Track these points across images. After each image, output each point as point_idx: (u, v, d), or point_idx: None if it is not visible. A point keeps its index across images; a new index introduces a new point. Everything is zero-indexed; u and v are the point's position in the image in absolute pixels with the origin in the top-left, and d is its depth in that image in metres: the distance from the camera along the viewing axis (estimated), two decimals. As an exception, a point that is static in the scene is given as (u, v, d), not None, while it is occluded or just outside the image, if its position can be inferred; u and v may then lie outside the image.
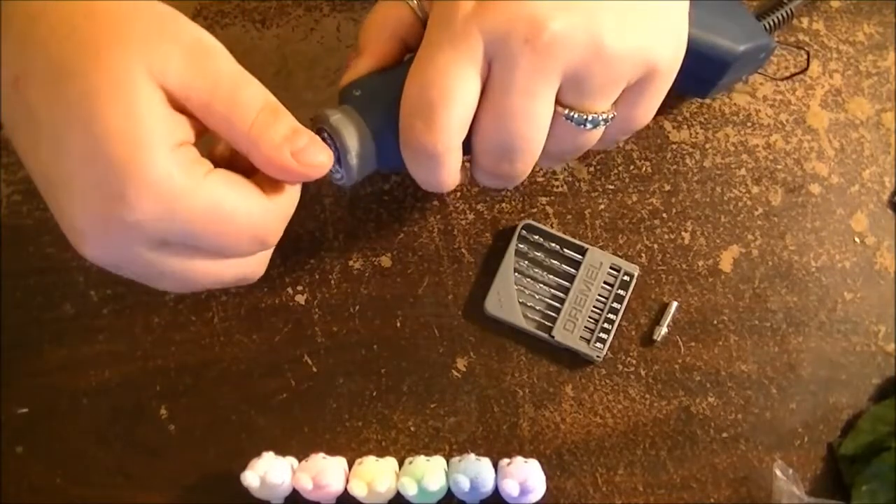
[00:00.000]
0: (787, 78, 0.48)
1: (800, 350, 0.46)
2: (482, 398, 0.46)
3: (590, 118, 0.34)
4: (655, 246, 0.47)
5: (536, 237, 0.46)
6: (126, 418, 0.46)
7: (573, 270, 0.46)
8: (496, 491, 0.43)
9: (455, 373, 0.46)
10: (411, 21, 0.37)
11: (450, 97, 0.32)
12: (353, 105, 0.35)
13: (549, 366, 0.46)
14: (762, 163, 0.48)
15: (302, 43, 0.49)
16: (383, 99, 0.35)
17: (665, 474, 0.45)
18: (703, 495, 0.45)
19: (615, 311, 0.45)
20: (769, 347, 0.46)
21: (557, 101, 0.33)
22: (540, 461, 0.43)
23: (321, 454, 0.44)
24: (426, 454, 0.44)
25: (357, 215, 0.47)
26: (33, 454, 0.46)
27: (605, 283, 0.46)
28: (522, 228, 0.46)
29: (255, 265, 0.35)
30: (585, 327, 0.45)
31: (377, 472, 0.42)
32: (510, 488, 0.41)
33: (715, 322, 0.46)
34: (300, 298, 0.47)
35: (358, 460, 0.44)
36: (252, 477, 0.41)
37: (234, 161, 0.33)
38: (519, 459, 0.43)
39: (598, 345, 0.45)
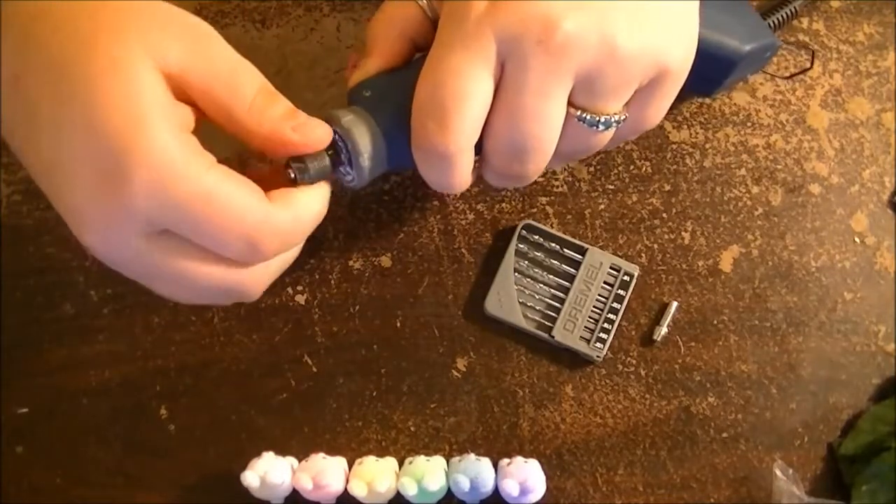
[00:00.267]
0: (790, 77, 0.48)
1: (800, 350, 0.46)
2: (482, 398, 0.46)
3: (602, 119, 0.34)
4: (655, 246, 0.47)
5: (536, 237, 0.46)
6: (126, 418, 0.46)
7: (573, 270, 0.46)
8: (496, 491, 0.43)
9: (455, 373, 0.46)
10: (420, 20, 0.37)
11: (463, 98, 0.32)
12: (364, 106, 0.35)
13: (549, 366, 0.46)
14: (762, 163, 0.48)
15: (302, 43, 0.49)
16: (394, 100, 0.35)
17: (665, 474, 0.45)
18: (703, 495, 0.45)
19: (615, 311, 0.45)
20: (769, 347, 0.46)
21: (570, 103, 0.33)
22: (540, 461, 0.43)
23: (321, 454, 0.44)
24: (426, 454, 0.44)
25: (357, 215, 0.47)
26: (33, 454, 0.46)
27: (605, 283, 0.46)
28: (522, 228, 0.46)
29: (250, 280, 0.34)
30: (585, 327, 0.45)
31: (377, 472, 0.42)
32: (510, 488, 0.41)
33: (715, 322, 0.46)
34: (300, 298, 0.47)
35: (358, 460, 0.44)
36: (252, 477, 0.41)
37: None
38: (519, 459, 0.43)
39: (598, 345, 0.45)
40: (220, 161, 0.31)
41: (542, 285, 0.46)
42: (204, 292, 0.33)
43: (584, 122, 0.34)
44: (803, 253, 0.47)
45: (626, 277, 0.46)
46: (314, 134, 0.33)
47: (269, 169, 0.35)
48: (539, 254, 0.46)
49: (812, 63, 0.48)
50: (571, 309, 0.45)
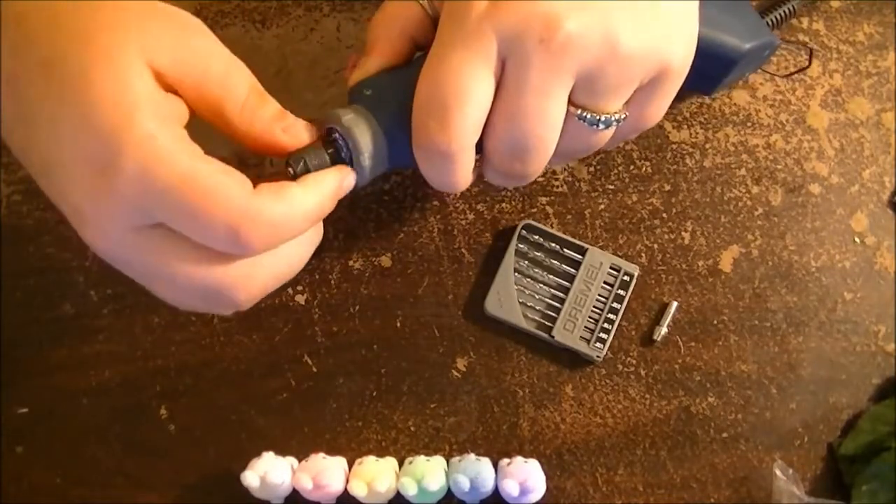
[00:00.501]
0: (789, 75, 0.48)
1: (800, 350, 0.46)
2: (482, 398, 0.46)
3: (602, 118, 0.34)
4: (655, 246, 0.47)
5: (536, 237, 0.46)
6: (126, 418, 0.46)
7: (573, 270, 0.46)
8: (496, 491, 0.43)
9: (455, 373, 0.46)
10: (421, 19, 0.37)
11: (464, 97, 0.32)
12: (364, 105, 0.35)
13: (549, 366, 0.46)
14: (762, 163, 0.48)
15: (302, 43, 0.49)
16: (395, 98, 0.35)
17: (665, 474, 0.45)
18: (703, 495, 0.45)
19: (615, 311, 0.45)
20: (769, 347, 0.46)
21: (570, 101, 0.33)
22: (540, 461, 0.43)
23: (321, 454, 0.44)
24: (426, 454, 0.44)
25: (357, 215, 0.47)
26: (33, 454, 0.46)
27: (605, 283, 0.46)
28: (522, 228, 0.46)
29: (236, 280, 0.33)
30: (585, 327, 0.45)
31: (377, 472, 0.42)
32: (510, 488, 0.41)
33: (715, 322, 0.46)
34: (300, 298, 0.47)
35: (358, 460, 0.44)
36: (252, 477, 0.41)
37: None
38: (519, 459, 0.43)
39: (598, 345, 0.45)
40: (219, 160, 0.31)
41: (542, 285, 0.46)
42: (195, 291, 0.33)
43: (584, 120, 0.34)
44: (803, 253, 0.47)
45: (626, 277, 0.46)
46: (302, 136, 0.34)
47: (271, 170, 0.35)
48: (539, 254, 0.46)
49: (810, 61, 0.48)
50: (571, 309, 0.45)
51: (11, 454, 0.46)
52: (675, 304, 0.46)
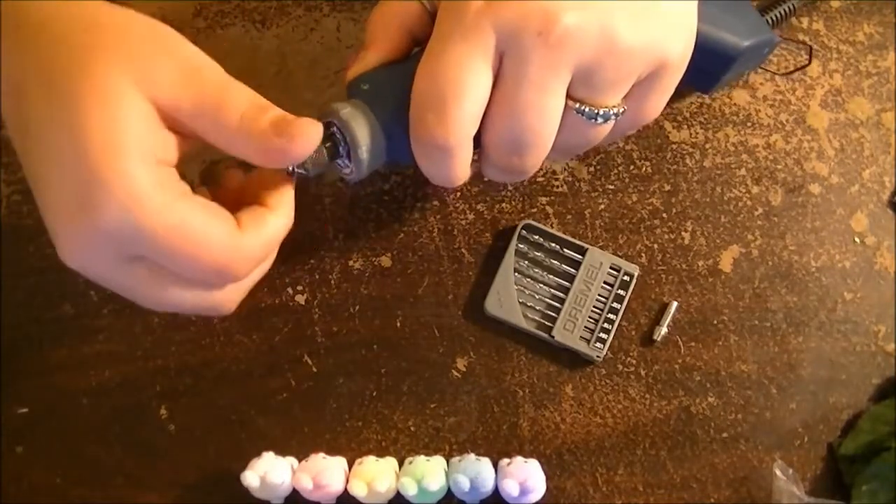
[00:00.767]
0: (789, 73, 0.48)
1: (800, 350, 0.46)
2: (482, 398, 0.46)
3: (601, 112, 0.34)
4: (655, 246, 0.47)
5: (536, 237, 0.46)
6: (126, 418, 0.46)
7: (573, 270, 0.46)
8: (496, 491, 0.43)
9: (455, 373, 0.46)
10: (419, 14, 0.37)
11: (461, 91, 0.32)
12: (363, 99, 0.35)
13: (549, 366, 0.46)
14: (762, 163, 0.48)
15: (302, 43, 0.49)
16: (393, 93, 0.35)
17: (665, 474, 0.45)
18: (703, 495, 0.45)
19: (615, 311, 0.45)
20: (769, 347, 0.46)
21: (568, 96, 0.33)
22: (540, 461, 0.43)
23: (321, 454, 0.44)
24: (426, 454, 0.44)
25: (357, 215, 0.47)
26: (33, 454, 0.46)
27: (605, 283, 0.46)
28: (522, 228, 0.46)
29: (223, 299, 0.35)
30: (585, 327, 0.45)
31: (377, 472, 0.42)
32: (510, 488, 0.41)
33: (715, 322, 0.46)
34: (300, 298, 0.47)
35: (358, 460, 0.44)
36: (252, 477, 0.41)
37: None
38: (519, 459, 0.43)
39: (598, 345, 0.45)
40: (219, 162, 0.31)
41: (542, 285, 0.46)
42: (178, 309, 0.34)
43: (582, 114, 0.34)
44: (803, 253, 0.47)
45: (626, 277, 0.46)
46: (305, 131, 0.32)
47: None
48: (539, 254, 0.46)
49: (810, 60, 0.48)
50: (571, 309, 0.45)
51: (11, 454, 0.46)
52: (675, 304, 0.46)
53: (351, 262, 0.47)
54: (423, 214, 0.47)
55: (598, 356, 0.45)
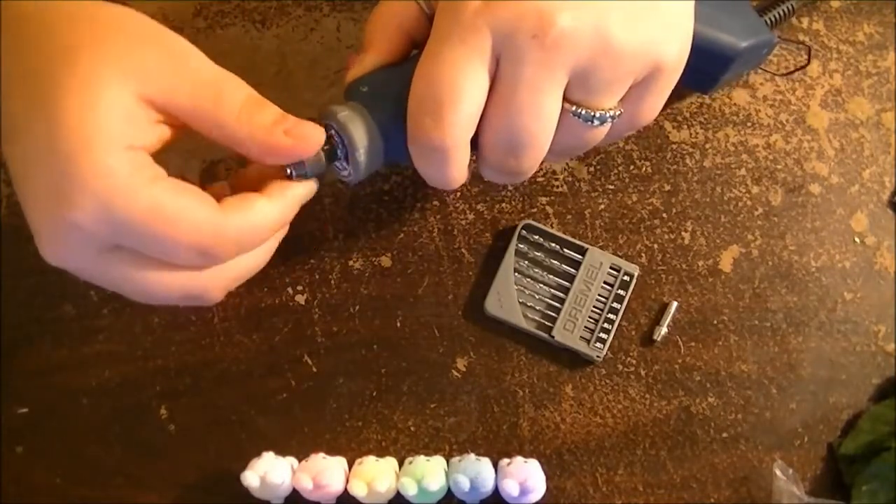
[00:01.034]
0: (788, 74, 0.48)
1: (800, 350, 0.46)
2: (482, 398, 0.46)
3: (597, 115, 0.34)
4: (655, 246, 0.47)
5: (536, 237, 0.46)
6: (126, 418, 0.46)
7: (573, 270, 0.46)
8: (496, 491, 0.43)
9: (455, 373, 0.46)
10: (417, 16, 0.37)
11: (458, 93, 0.32)
12: (361, 101, 0.35)
13: (549, 366, 0.46)
14: (762, 163, 0.48)
15: (302, 43, 0.49)
16: (391, 95, 0.35)
17: (665, 474, 0.45)
18: (703, 495, 0.45)
19: (615, 311, 0.45)
20: (769, 347, 0.46)
21: (565, 98, 0.33)
22: (540, 461, 0.43)
23: (321, 454, 0.44)
24: (426, 454, 0.44)
25: (357, 215, 0.47)
26: (33, 454, 0.46)
27: (605, 283, 0.46)
28: (522, 228, 0.46)
29: (208, 284, 0.34)
30: (585, 327, 0.45)
31: (377, 472, 0.42)
32: (510, 488, 0.41)
33: (715, 322, 0.46)
34: (300, 298, 0.47)
35: (358, 460, 0.44)
36: (252, 477, 0.41)
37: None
38: (519, 459, 0.43)
39: (598, 345, 0.45)
40: (219, 162, 0.31)
41: (542, 285, 0.46)
42: (164, 298, 0.33)
43: (578, 117, 0.34)
44: (803, 253, 0.47)
45: (626, 277, 0.46)
46: (307, 133, 0.33)
47: (267, 167, 0.35)
48: (539, 254, 0.46)
49: (808, 60, 0.48)
50: (571, 309, 0.45)
51: (11, 454, 0.46)
52: (675, 304, 0.46)
53: (351, 262, 0.47)
54: (423, 214, 0.47)
55: (598, 356, 0.45)
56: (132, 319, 0.46)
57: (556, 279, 0.46)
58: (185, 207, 0.31)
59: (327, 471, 0.42)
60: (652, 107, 0.36)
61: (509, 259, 0.46)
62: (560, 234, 0.46)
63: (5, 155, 0.31)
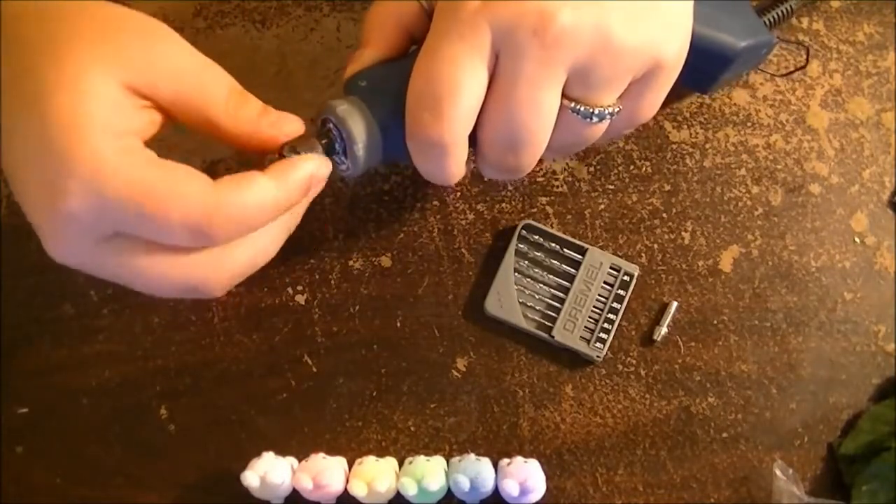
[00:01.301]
0: (787, 74, 0.48)
1: (800, 350, 0.46)
2: (482, 398, 0.46)
3: (596, 112, 0.34)
4: (655, 246, 0.47)
5: (536, 237, 0.46)
6: (126, 418, 0.46)
7: (573, 270, 0.46)
8: (496, 491, 0.43)
9: (455, 373, 0.46)
10: (416, 12, 0.37)
11: (457, 89, 0.32)
12: (359, 96, 0.35)
13: (549, 366, 0.46)
14: (762, 163, 0.48)
15: (302, 43, 0.49)
16: (389, 90, 0.35)
17: (665, 474, 0.45)
18: (703, 495, 0.45)
19: (615, 311, 0.45)
20: (769, 347, 0.46)
21: (564, 94, 0.33)
22: (540, 461, 0.43)
23: (321, 454, 0.44)
24: (426, 454, 0.44)
25: (357, 215, 0.47)
26: (33, 454, 0.46)
27: (605, 283, 0.46)
28: (522, 228, 0.46)
29: (207, 272, 0.33)
30: (585, 327, 0.45)
31: (377, 472, 0.42)
32: (510, 488, 0.41)
33: (715, 322, 0.46)
34: (300, 298, 0.47)
35: (358, 460, 0.44)
36: (252, 477, 0.41)
37: None
38: (519, 459, 0.43)
39: (598, 345, 0.45)
40: (219, 162, 0.31)
41: (542, 285, 0.46)
42: (169, 288, 0.33)
43: (577, 113, 0.34)
44: (803, 253, 0.47)
45: (626, 277, 0.46)
46: (289, 128, 0.34)
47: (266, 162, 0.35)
48: (539, 254, 0.46)
49: (807, 60, 0.48)
50: (571, 309, 0.45)
51: (11, 454, 0.46)
52: (675, 304, 0.46)
53: (351, 262, 0.47)
54: (423, 214, 0.47)
55: (598, 356, 0.45)
56: (132, 319, 0.46)
57: (556, 279, 0.46)
58: (176, 185, 0.30)
59: (327, 471, 0.42)
60: (651, 104, 0.36)
61: (509, 259, 0.46)
62: (560, 234, 0.46)
63: (3, 158, 0.31)
